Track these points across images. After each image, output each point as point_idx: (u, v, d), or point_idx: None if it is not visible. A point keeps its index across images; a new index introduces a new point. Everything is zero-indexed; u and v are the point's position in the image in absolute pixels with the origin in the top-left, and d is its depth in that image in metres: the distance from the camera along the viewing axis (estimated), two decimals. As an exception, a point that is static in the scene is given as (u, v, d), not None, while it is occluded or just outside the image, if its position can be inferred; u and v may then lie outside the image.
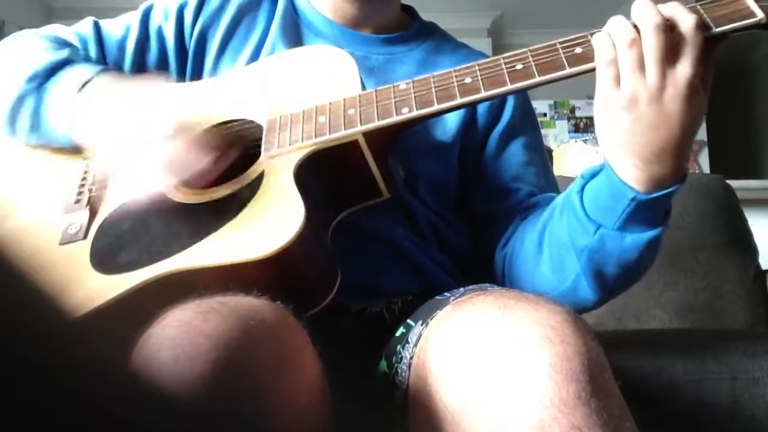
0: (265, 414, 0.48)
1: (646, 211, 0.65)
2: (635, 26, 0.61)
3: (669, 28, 0.60)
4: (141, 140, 0.68)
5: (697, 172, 3.65)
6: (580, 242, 0.68)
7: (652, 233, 0.66)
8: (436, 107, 0.68)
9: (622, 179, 0.64)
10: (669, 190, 0.63)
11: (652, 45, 0.59)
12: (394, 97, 0.69)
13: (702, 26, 0.61)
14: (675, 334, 1.17)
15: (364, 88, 0.74)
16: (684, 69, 0.60)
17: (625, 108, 0.61)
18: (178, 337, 0.47)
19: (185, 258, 0.63)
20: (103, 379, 0.32)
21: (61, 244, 0.71)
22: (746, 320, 1.41)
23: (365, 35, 0.89)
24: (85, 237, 0.70)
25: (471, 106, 0.72)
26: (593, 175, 0.68)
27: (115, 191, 0.74)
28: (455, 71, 0.69)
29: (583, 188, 0.68)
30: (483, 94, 0.66)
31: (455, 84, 0.68)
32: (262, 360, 0.49)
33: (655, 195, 0.63)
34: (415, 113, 0.68)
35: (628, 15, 0.64)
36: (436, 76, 0.70)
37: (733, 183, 1.52)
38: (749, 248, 1.46)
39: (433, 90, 0.68)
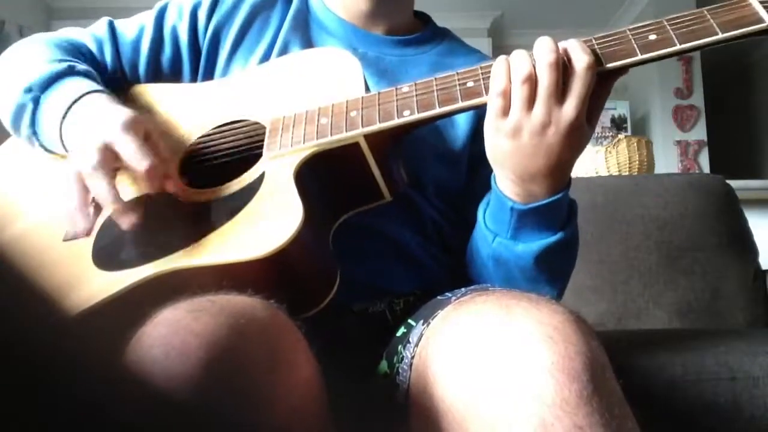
0: (257, 412, 0.48)
1: (532, 219, 0.69)
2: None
3: (562, 66, 0.63)
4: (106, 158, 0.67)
5: (697, 172, 3.65)
6: (484, 251, 0.74)
7: (546, 240, 0.70)
8: (438, 110, 0.67)
9: (502, 192, 0.70)
10: (545, 201, 0.68)
11: (543, 82, 0.62)
12: (396, 100, 0.69)
13: (594, 65, 0.63)
14: (675, 334, 1.17)
15: (368, 90, 0.74)
16: (569, 109, 0.63)
17: (508, 135, 0.65)
18: (168, 336, 0.48)
19: (183, 257, 0.64)
20: (98, 376, 0.32)
21: (65, 240, 0.71)
22: (746, 320, 1.41)
23: (378, 36, 0.89)
24: (88, 234, 0.71)
25: (474, 110, 0.71)
26: None
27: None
28: (458, 74, 0.69)
29: (488, 202, 0.74)
30: (485, 97, 0.66)
31: (458, 87, 0.68)
32: (253, 358, 0.49)
33: (531, 206, 0.68)
34: (417, 116, 0.68)
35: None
36: (438, 79, 0.70)
37: (733, 183, 1.52)
38: (749, 248, 1.46)
39: (435, 93, 0.68)
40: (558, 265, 0.75)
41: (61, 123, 0.74)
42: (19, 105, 0.78)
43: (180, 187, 0.70)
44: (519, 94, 0.63)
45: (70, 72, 0.78)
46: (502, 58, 0.66)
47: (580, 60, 0.63)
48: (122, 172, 0.71)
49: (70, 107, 0.74)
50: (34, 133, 0.78)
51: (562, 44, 0.64)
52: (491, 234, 0.73)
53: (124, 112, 0.70)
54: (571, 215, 0.73)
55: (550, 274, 0.74)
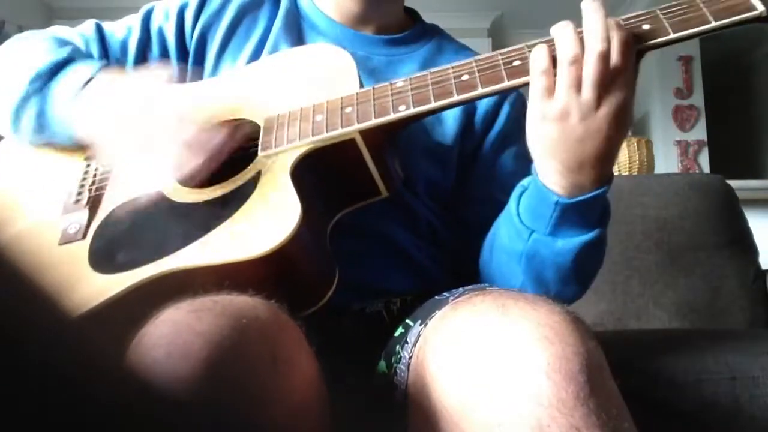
0: (258, 411, 0.48)
1: (575, 214, 0.66)
2: (580, 34, 0.61)
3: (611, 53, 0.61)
4: (141, 138, 0.69)
5: (697, 172, 3.65)
6: (517, 248, 0.70)
7: (584, 237, 0.67)
8: (433, 104, 0.67)
9: (545, 185, 0.65)
10: (591, 194, 0.65)
11: (592, 70, 0.60)
12: (391, 95, 0.69)
13: (642, 52, 0.62)
14: (675, 334, 1.16)
15: (362, 86, 0.74)
16: (620, 93, 0.61)
17: (555, 119, 0.62)
18: (170, 336, 0.48)
19: (181, 257, 0.63)
20: (100, 378, 0.32)
21: (61, 244, 0.71)
22: (746, 320, 1.41)
23: (367, 36, 0.89)
24: (84, 237, 0.71)
25: (468, 103, 0.71)
26: (531, 183, 0.69)
27: (115, 191, 0.74)
28: (452, 68, 0.69)
29: (521, 196, 0.70)
30: (480, 90, 0.66)
31: (452, 81, 0.67)
32: (255, 358, 0.49)
33: (577, 199, 0.64)
34: (412, 111, 0.67)
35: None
36: (433, 73, 0.69)
37: (733, 183, 1.52)
38: (749, 248, 1.46)
39: (430, 87, 0.68)
40: (591, 264, 0.72)
41: (77, 102, 0.74)
42: (24, 97, 0.77)
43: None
44: (566, 74, 0.61)
45: (73, 59, 0.79)
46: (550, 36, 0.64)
47: (628, 48, 0.61)
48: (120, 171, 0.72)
49: (84, 86, 0.74)
50: (41, 124, 0.77)
51: (609, 25, 0.61)
52: (527, 230, 0.68)
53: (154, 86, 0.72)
54: (605, 211, 0.70)
55: (583, 273, 0.72)
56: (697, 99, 3.81)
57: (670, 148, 3.80)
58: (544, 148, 0.65)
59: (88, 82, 0.75)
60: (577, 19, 0.65)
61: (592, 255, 0.70)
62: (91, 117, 0.73)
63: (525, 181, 0.70)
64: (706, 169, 3.78)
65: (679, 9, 0.63)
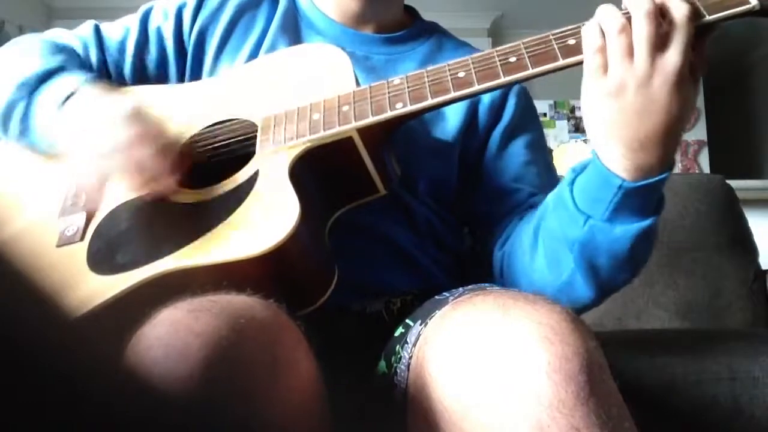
0: (257, 411, 0.47)
1: (636, 200, 0.64)
2: (626, 14, 0.61)
3: (660, 15, 0.60)
4: (102, 156, 0.69)
5: (697, 172, 3.65)
6: (571, 235, 0.67)
7: (643, 223, 0.65)
8: (430, 101, 0.67)
9: (608, 168, 0.63)
10: (657, 178, 0.63)
11: (642, 32, 0.59)
12: (388, 93, 0.69)
13: (694, 15, 0.61)
14: (675, 334, 1.16)
15: (358, 84, 0.74)
16: (673, 57, 0.60)
17: (612, 95, 0.61)
18: (168, 336, 0.47)
19: (180, 258, 0.63)
20: (98, 379, 0.32)
21: (58, 246, 0.71)
22: (746, 320, 1.41)
23: (366, 35, 0.89)
24: (81, 239, 0.71)
25: (465, 100, 0.71)
26: (584, 167, 0.68)
27: (111, 193, 0.74)
28: (448, 65, 0.69)
29: (573, 181, 0.68)
30: (476, 87, 0.66)
31: (449, 78, 0.67)
32: (254, 358, 0.49)
33: (642, 183, 0.62)
34: (409, 108, 0.67)
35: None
36: (429, 71, 0.69)
37: (733, 183, 1.52)
38: (749, 248, 1.46)
39: (427, 84, 0.68)
40: (643, 253, 0.69)
41: (57, 116, 0.74)
42: (11, 101, 0.77)
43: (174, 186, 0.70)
44: (617, 44, 0.60)
45: (63, 69, 0.78)
46: (593, 19, 0.63)
47: (679, 9, 0.60)
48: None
49: (66, 100, 0.74)
50: (25, 129, 0.77)
51: None
52: (582, 216, 0.66)
53: (125, 104, 0.71)
54: (662, 199, 0.68)
55: (635, 261, 0.70)
56: (697, 99, 3.81)
57: (670, 148, 3.80)
58: (605, 128, 0.63)
59: (71, 95, 0.74)
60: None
61: (647, 244, 0.68)
62: (67, 131, 0.73)
63: (577, 166, 0.68)
64: (706, 169, 3.78)
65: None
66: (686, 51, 0.60)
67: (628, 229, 0.65)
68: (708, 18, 0.62)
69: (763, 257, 1.48)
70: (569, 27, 0.66)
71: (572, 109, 4.40)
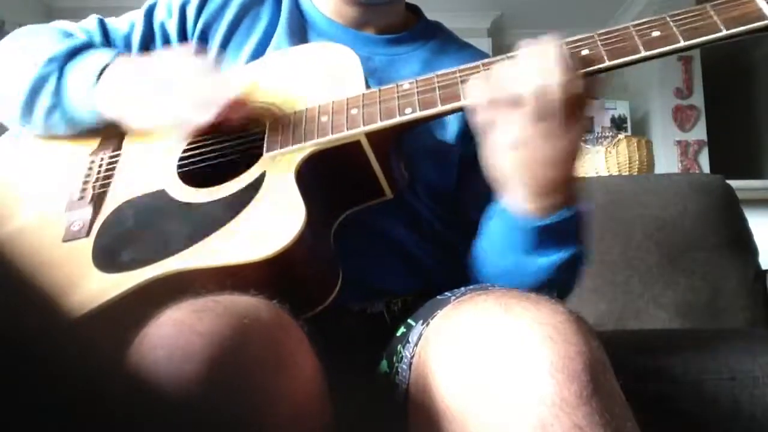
0: (261, 411, 0.48)
1: (548, 236, 0.68)
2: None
3: (574, 81, 0.62)
4: (161, 90, 0.71)
5: (697, 172, 3.65)
6: (500, 263, 0.73)
7: (561, 255, 0.70)
8: (440, 108, 0.67)
9: (517, 213, 0.68)
10: (558, 218, 0.67)
11: (556, 100, 0.61)
12: (398, 97, 0.69)
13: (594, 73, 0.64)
14: (675, 334, 1.17)
15: (368, 86, 0.73)
16: (582, 120, 0.63)
17: (514, 148, 0.64)
18: (172, 336, 0.48)
19: (185, 258, 0.63)
20: (101, 378, 0.32)
21: (65, 241, 0.71)
22: (746, 320, 1.41)
23: (368, 35, 0.89)
24: (87, 234, 0.70)
25: None
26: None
27: (119, 187, 0.74)
28: (459, 71, 0.68)
29: (499, 213, 0.72)
30: None
31: (459, 84, 0.67)
32: (257, 358, 0.49)
33: (548, 222, 0.67)
34: (419, 114, 0.67)
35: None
36: (439, 76, 0.69)
37: (733, 183, 1.52)
38: (749, 248, 1.46)
39: (437, 90, 0.68)
40: (568, 282, 0.75)
41: (98, 87, 0.76)
42: (40, 76, 0.78)
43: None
44: (533, 108, 0.62)
45: (91, 45, 0.81)
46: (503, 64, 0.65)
47: (579, 80, 0.62)
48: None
49: (101, 73, 0.76)
50: (58, 103, 0.78)
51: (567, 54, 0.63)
52: (507, 249, 0.72)
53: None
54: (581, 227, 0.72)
55: (564, 291, 0.75)
56: (697, 99, 3.81)
57: (670, 148, 3.80)
58: (506, 176, 0.67)
59: (105, 67, 0.76)
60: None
61: (573, 271, 0.73)
62: (113, 90, 0.75)
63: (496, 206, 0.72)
64: (706, 169, 3.77)
65: (690, 16, 0.63)
66: (589, 107, 0.63)
67: (549, 258, 0.70)
68: (610, 63, 0.64)
69: (763, 257, 1.48)
70: (583, 36, 0.66)
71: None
